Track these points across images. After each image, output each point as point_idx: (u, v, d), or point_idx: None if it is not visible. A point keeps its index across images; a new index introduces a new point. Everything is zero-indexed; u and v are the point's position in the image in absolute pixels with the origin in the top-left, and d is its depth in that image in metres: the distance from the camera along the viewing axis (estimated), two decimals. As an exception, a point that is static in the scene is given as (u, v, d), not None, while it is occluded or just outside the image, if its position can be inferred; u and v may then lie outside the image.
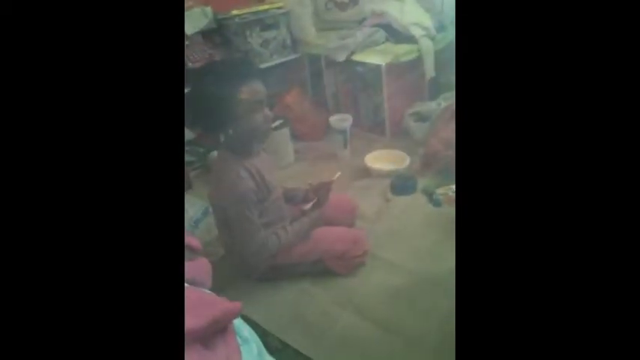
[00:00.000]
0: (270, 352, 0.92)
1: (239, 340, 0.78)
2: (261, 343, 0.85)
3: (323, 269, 1.46)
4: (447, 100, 2.21)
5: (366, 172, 2.06)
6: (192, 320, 0.66)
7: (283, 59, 2.46)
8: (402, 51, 2.18)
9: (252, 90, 1.24)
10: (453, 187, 1.83)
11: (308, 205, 1.51)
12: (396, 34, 2.28)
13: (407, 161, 2.03)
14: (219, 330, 0.74)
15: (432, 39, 2.23)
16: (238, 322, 0.84)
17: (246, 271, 1.48)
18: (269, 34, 2.36)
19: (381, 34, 2.29)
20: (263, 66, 2.31)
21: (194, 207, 1.81)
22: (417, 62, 2.21)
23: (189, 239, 0.93)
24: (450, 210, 1.74)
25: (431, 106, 2.25)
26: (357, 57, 2.24)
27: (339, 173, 1.51)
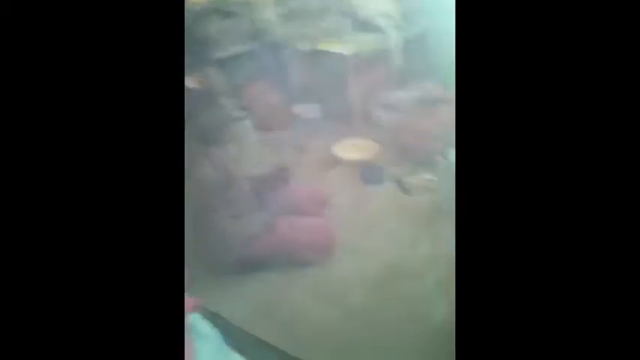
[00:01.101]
0: (240, 346, 0.88)
1: (194, 337, 0.74)
2: (221, 337, 0.82)
3: (292, 260, 1.43)
4: (415, 90, 2.21)
5: (335, 162, 2.03)
6: None
7: (245, 49, 2.38)
8: (368, 40, 2.16)
9: (204, 80, 1.21)
10: (424, 175, 1.85)
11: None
12: (361, 23, 2.25)
13: (375, 150, 2.02)
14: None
15: (399, 28, 2.22)
16: (196, 318, 0.80)
17: (214, 265, 1.43)
18: (229, 23, 2.28)
19: (347, 23, 2.25)
20: (223, 55, 2.23)
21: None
22: (384, 52, 2.20)
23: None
24: (422, 198, 1.75)
25: (398, 95, 2.24)
26: (322, 46, 2.21)
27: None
